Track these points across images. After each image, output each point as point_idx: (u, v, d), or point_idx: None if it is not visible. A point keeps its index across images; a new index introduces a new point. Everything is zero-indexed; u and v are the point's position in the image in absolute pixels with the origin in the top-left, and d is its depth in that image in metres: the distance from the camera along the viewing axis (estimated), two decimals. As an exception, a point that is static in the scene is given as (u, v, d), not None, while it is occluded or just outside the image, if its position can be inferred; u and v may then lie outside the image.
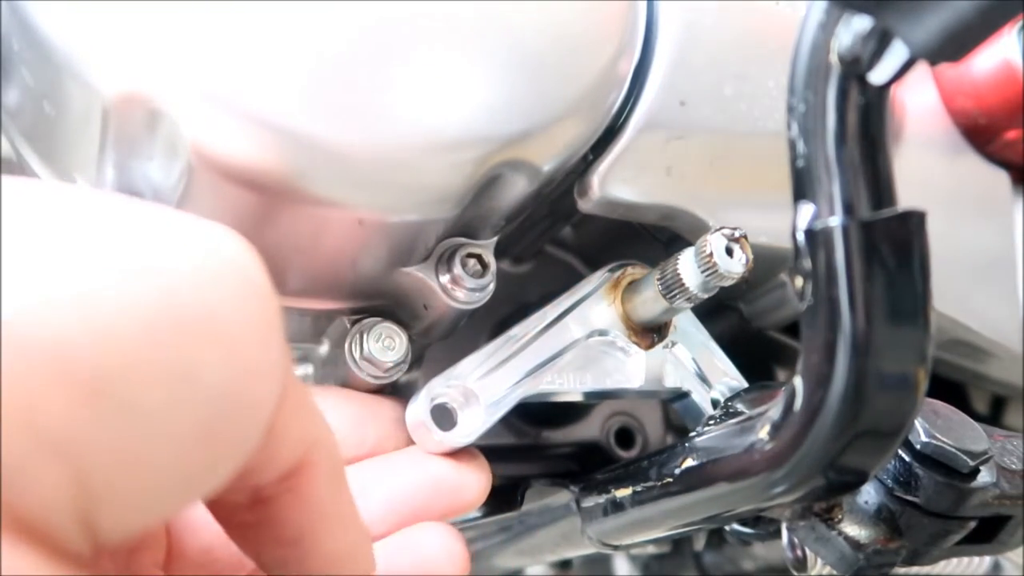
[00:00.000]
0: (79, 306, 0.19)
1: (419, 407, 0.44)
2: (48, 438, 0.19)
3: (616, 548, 0.51)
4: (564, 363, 0.47)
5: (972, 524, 0.42)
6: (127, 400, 0.20)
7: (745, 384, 0.51)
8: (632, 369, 0.49)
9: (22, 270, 0.19)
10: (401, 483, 0.43)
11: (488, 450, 0.47)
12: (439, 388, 0.45)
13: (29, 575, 0.18)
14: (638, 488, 0.45)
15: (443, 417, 0.44)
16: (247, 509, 0.27)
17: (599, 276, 0.49)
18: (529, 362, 0.47)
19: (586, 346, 0.48)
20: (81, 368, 0.19)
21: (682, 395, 0.51)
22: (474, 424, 0.44)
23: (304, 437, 0.26)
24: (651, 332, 0.50)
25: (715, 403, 0.50)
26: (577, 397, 0.49)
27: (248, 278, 0.24)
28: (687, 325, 0.51)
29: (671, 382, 0.50)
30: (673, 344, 0.50)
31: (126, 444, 0.20)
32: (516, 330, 0.47)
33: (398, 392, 0.58)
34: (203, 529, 0.35)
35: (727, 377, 0.51)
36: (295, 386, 0.26)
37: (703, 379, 0.51)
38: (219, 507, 0.28)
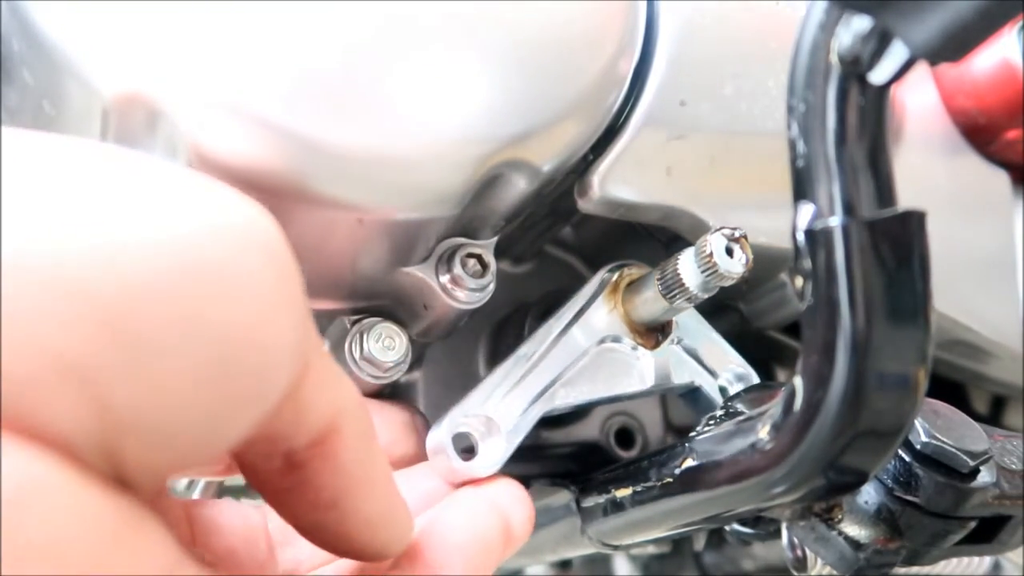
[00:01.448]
0: (98, 249, 0.21)
1: (441, 434, 0.44)
2: (71, 364, 0.20)
3: (616, 548, 0.51)
4: (575, 375, 0.48)
5: (972, 524, 0.42)
6: (143, 336, 0.21)
7: (749, 370, 0.52)
8: (641, 370, 0.50)
9: (52, 215, 0.21)
10: (425, 492, 0.43)
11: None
12: (461, 417, 0.44)
13: (63, 487, 0.20)
14: (638, 488, 0.45)
15: (464, 446, 0.44)
16: (282, 475, 0.28)
17: (597, 280, 0.49)
18: (541, 381, 0.47)
19: (594, 354, 0.48)
20: (101, 303, 0.20)
21: (691, 388, 0.51)
22: (496, 454, 0.44)
23: (332, 402, 0.27)
24: (655, 332, 0.50)
25: (723, 391, 0.51)
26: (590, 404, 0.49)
27: (267, 240, 0.25)
28: (688, 319, 0.51)
29: (679, 378, 0.50)
30: (677, 340, 0.50)
31: (144, 376, 0.21)
32: (524, 349, 0.47)
33: (398, 392, 0.58)
34: (228, 532, 0.36)
35: (732, 365, 0.52)
36: (320, 354, 0.27)
37: (709, 370, 0.51)
38: (256, 474, 0.29)
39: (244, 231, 0.24)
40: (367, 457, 0.29)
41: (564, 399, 0.47)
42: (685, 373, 0.51)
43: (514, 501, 0.41)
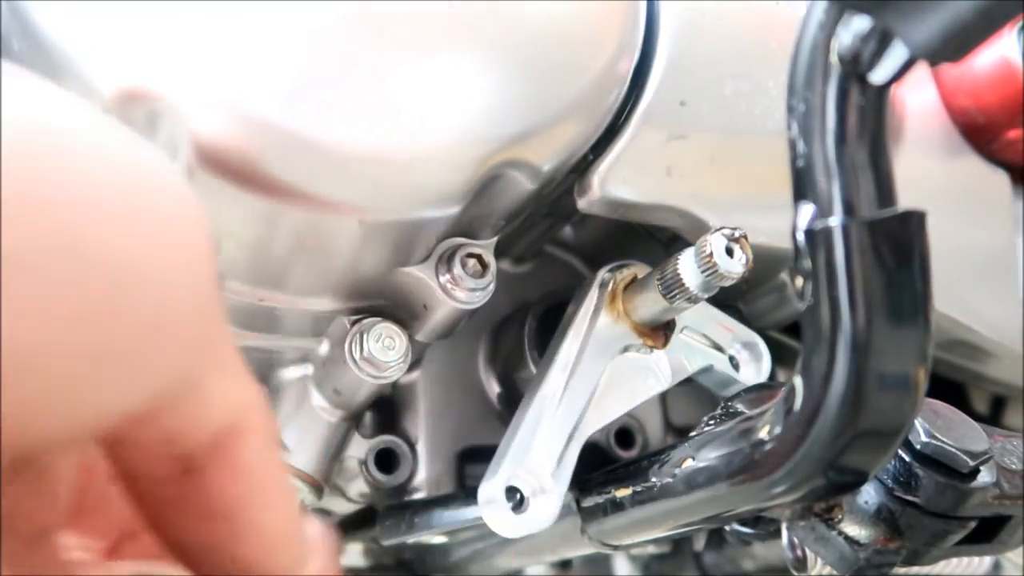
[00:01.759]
0: None
1: (494, 489, 0.44)
2: None
3: (616, 548, 0.51)
4: (600, 396, 0.48)
5: (972, 524, 0.42)
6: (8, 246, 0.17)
7: (755, 337, 0.53)
8: (658, 370, 0.50)
9: None
10: None
11: (488, 450, 0.47)
12: (511, 469, 0.45)
13: None
14: (638, 488, 0.45)
15: (516, 500, 0.45)
16: (171, 482, 0.25)
17: (596, 289, 0.49)
18: (573, 415, 0.47)
19: (612, 370, 0.48)
20: None
21: (704, 369, 0.52)
22: (551, 506, 0.45)
23: (237, 399, 0.24)
24: (661, 328, 0.50)
25: (732, 360, 0.52)
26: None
27: (180, 186, 0.22)
28: None
29: (694, 365, 0.51)
30: (683, 328, 0.51)
31: (10, 298, 0.18)
32: (546, 388, 0.47)
33: (398, 392, 0.58)
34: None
35: (737, 335, 0.53)
36: (228, 345, 0.24)
37: (718, 347, 0.52)
38: (137, 483, 0.26)
39: (157, 167, 0.21)
40: (270, 463, 0.26)
41: (597, 423, 0.47)
42: (698, 358, 0.51)
43: None
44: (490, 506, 0.44)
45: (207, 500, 0.25)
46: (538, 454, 0.45)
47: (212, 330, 0.23)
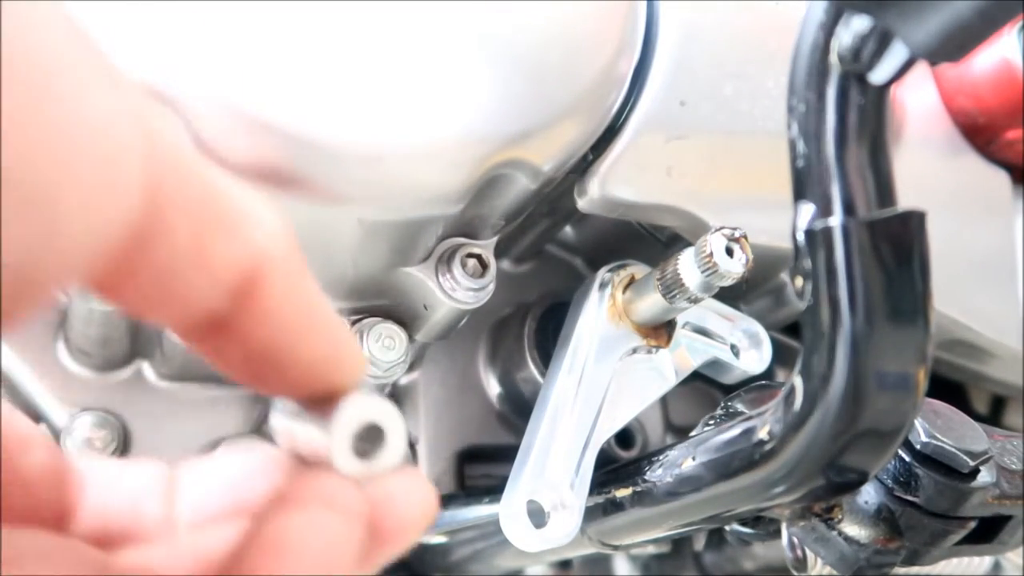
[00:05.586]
0: None
1: (515, 503, 0.44)
2: None
3: (616, 548, 0.51)
4: (609, 404, 0.48)
5: (972, 524, 0.42)
6: None
7: (754, 324, 0.53)
8: (664, 369, 0.50)
9: None
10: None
11: (489, 450, 0.47)
12: (530, 485, 0.45)
13: None
14: (638, 488, 0.45)
15: (537, 515, 0.45)
16: (209, 331, 0.25)
17: (595, 296, 0.49)
18: (585, 426, 0.47)
19: (619, 374, 0.48)
20: None
21: (708, 362, 0.52)
22: (570, 520, 0.45)
23: (245, 250, 0.24)
24: (663, 328, 0.50)
25: (734, 348, 0.53)
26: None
27: None
28: None
29: (698, 359, 0.51)
30: (684, 323, 0.51)
31: None
32: (555, 401, 0.47)
33: (398, 392, 0.58)
34: (111, 492, 0.29)
35: (738, 324, 0.53)
36: (212, 194, 0.23)
37: (719, 339, 0.52)
38: (182, 328, 0.26)
39: None
40: (299, 303, 0.26)
41: (610, 430, 0.48)
42: (701, 352, 0.52)
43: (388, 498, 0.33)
44: (511, 522, 0.44)
45: (244, 343, 0.25)
46: (556, 466, 0.45)
47: (162, 158, 0.21)
